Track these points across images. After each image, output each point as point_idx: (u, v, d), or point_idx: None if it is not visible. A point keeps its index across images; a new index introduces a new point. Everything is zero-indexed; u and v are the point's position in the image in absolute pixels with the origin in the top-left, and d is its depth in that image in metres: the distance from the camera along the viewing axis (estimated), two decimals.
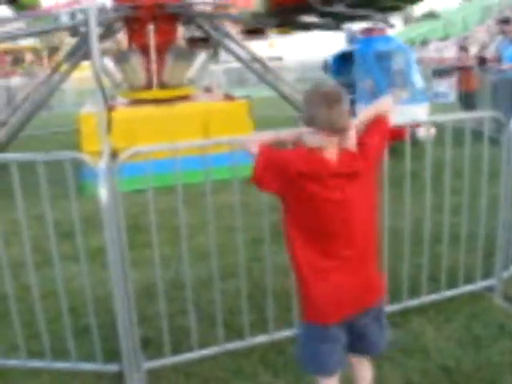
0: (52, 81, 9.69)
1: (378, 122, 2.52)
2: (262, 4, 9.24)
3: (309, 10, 9.12)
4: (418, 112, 8.38)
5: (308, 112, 2.29)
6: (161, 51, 9.00)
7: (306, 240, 2.37)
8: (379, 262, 3.08)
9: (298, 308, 3.34)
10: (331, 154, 2.29)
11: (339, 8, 9.08)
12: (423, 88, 9.28)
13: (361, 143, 2.38)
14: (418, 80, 9.13)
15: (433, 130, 5.03)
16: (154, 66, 8.93)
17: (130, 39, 9.35)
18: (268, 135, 2.54)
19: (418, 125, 3.84)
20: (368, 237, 2.43)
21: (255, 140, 2.46)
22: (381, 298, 2.54)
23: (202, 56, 9.89)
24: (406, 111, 7.73)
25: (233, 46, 9.94)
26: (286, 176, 2.29)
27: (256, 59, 10.21)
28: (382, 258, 3.62)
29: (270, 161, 2.34)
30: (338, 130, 2.26)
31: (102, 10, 8.70)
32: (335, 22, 10.33)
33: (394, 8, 10.38)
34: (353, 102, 9.29)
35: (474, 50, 13.57)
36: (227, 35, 9.76)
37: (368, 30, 9.42)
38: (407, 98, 8.82)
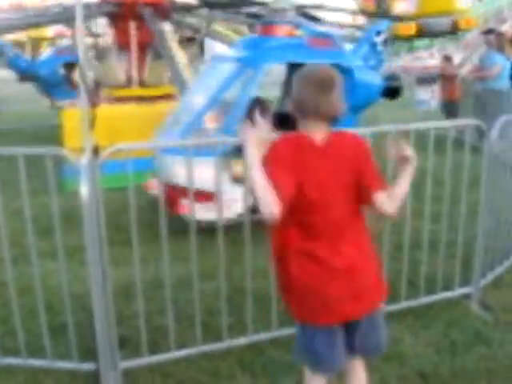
0: None
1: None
2: None
3: None
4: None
5: (296, 95, 2.24)
6: (142, 50, 8.98)
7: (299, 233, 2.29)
8: None
9: (277, 310, 3.34)
10: (318, 136, 2.25)
11: None
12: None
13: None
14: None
15: None
16: (134, 65, 8.90)
17: (114, 36, 9.29)
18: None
19: None
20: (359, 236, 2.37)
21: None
22: (378, 301, 2.47)
23: (187, 55, 9.80)
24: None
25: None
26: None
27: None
28: None
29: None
30: (327, 118, 2.22)
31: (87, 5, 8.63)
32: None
33: None
34: None
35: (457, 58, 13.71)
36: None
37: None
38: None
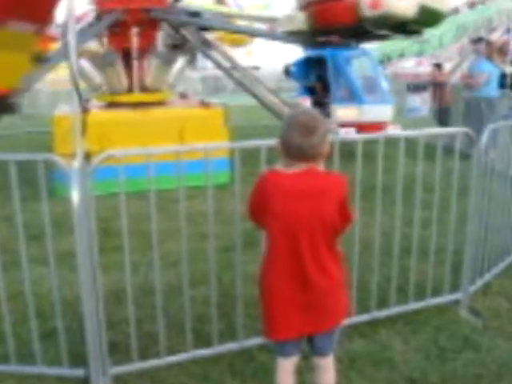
0: None
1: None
2: (306, 23, 9.15)
3: (354, 32, 8.97)
4: (386, 111, 9.71)
5: (283, 136, 2.38)
6: (142, 55, 8.99)
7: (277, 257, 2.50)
8: (348, 273, 3.11)
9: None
10: (297, 173, 2.39)
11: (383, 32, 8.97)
12: (388, 90, 10.36)
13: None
14: (384, 83, 10.24)
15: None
16: (135, 70, 8.91)
17: (111, 42, 9.25)
18: None
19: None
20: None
21: None
22: (335, 324, 2.60)
23: (180, 61, 9.86)
24: (375, 110, 9.43)
25: (213, 53, 9.80)
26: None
27: (236, 67, 10.04)
28: (352, 269, 3.65)
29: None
30: (307, 159, 2.36)
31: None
32: (356, 41, 10.11)
33: (416, 32, 9.60)
34: (326, 104, 9.43)
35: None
36: (206, 42, 9.65)
37: None
38: (376, 98, 9.82)
